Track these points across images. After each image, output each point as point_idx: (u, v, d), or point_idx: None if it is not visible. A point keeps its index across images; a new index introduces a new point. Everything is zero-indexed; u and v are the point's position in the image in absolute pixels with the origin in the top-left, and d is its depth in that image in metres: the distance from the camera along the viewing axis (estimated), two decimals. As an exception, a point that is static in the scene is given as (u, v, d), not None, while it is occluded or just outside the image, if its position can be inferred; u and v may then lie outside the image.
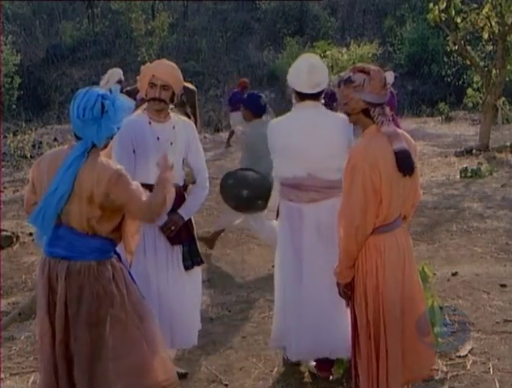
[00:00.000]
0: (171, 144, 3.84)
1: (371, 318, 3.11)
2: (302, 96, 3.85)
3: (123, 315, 3.08)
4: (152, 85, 3.79)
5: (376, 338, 3.11)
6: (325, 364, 3.98)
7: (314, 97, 3.85)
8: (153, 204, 3.13)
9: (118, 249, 3.30)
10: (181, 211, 3.89)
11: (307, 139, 3.77)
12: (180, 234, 3.88)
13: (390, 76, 3.14)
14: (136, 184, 3.14)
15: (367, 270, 3.11)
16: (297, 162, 3.81)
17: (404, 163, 3.02)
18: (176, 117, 3.96)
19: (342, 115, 3.82)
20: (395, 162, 3.02)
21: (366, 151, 3.03)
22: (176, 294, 3.87)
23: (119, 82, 7.48)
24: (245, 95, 6.63)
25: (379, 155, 3.00)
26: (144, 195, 3.13)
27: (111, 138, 3.15)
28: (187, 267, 3.92)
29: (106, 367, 3.04)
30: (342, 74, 3.17)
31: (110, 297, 3.05)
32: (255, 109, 6.19)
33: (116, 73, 7.72)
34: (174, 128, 3.88)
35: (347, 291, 3.19)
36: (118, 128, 3.13)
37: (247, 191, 5.91)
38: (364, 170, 2.98)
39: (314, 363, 4.06)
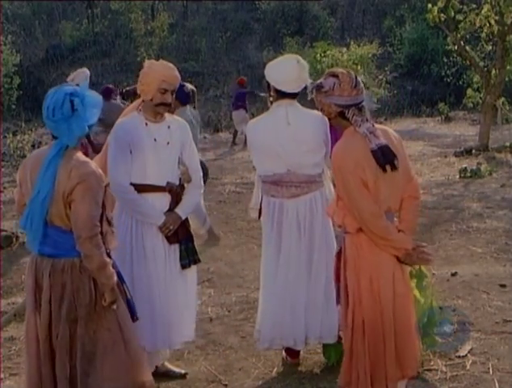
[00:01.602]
0: (167, 144, 3.87)
1: (366, 316, 3.15)
2: (282, 95, 3.98)
3: (102, 314, 3.09)
4: (164, 90, 3.80)
5: (371, 336, 3.14)
6: (293, 351, 4.19)
7: (294, 95, 4.00)
8: (90, 242, 2.97)
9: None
10: (178, 210, 3.91)
11: (284, 136, 3.93)
12: (178, 233, 3.90)
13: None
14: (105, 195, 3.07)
15: (360, 268, 3.16)
16: (276, 159, 3.97)
17: (383, 160, 3.06)
18: (170, 117, 3.98)
19: (318, 113, 3.98)
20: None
21: (346, 150, 3.11)
22: (172, 294, 3.89)
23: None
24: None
25: (360, 152, 3.07)
26: (96, 217, 3.00)
27: (87, 136, 3.11)
28: (184, 266, 3.94)
29: (86, 364, 3.05)
30: (316, 81, 3.26)
31: (90, 294, 3.06)
32: (180, 97, 6.43)
33: (84, 74, 7.93)
34: (169, 128, 3.91)
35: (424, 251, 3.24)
36: (90, 126, 3.09)
37: None
38: (349, 167, 3.06)
39: (284, 352, 4.26)
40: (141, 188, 3.81)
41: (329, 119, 3.25)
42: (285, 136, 3.92)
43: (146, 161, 3.80)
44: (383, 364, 3.15)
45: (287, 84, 3.94)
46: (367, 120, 3.13)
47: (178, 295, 3.91)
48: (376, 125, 3.20)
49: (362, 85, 3.19)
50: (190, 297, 4.04)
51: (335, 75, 3.16)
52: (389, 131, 3.27)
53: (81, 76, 7.78)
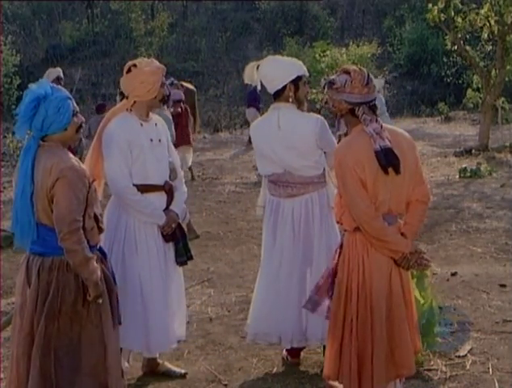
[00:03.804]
0: (159, 141, 3.89)
1: (354, 314, 3.16)
2: (273, 96, 4.04)
3: (84, 313, 3.09)
4: (162, 84, 3.85)
5: (360, 334, 3.15)
6: (293, 351, 4.18)
7: (275, 96, 4.01)
8: (70, 237, 2.97)
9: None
10: (174, 208, 3.92)
11: (274, 141, 3.96)
12: (175, 231, 3.92)
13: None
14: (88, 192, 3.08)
15: (353, 266, 3.17)
16: (272, 160, 4.02)
17: (385, 161, 3.06)
18: (152, 115, 3.99)
19: (313, 116, 3.96)
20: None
21: (348, 147, 3.13)
22: (168, 293, 3.91)
23: (58, 79, 8.45)
24: None
25: (363, 151, 3.08)
26: (77, 214, 3.01)
27: (65, 128, 3.09)
28: (182, 263, 3.97)
29: (60, 361, 3.05)
30: (329, 77, 3.26)
31: (75, 291, 3.06)
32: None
33: (54, 71, 8.77)
34: (156, 125, 3.93)
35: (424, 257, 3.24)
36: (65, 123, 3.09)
37: None
38: (348, 164, 3.08)
39: (285, 352, 4.25)
40: (144, 189, 3.81)
41: (341, 116, 3.25)
42: (276, 140, 3.96)
43: (146, 161, 3.80)
44: (369, 363, 3.15)
45: (266, 85, 4.03)
46: (376, 121, 3.13)
47: (173, 294, 3.94)
48: (388, 126, 3.20)
49: (374, 83, 3.19)
50: (181, 294, 4.07)
51: (347, 72, 3.16)
52: (399, 133, 3.25)
53: (53, 75, 8.42)
